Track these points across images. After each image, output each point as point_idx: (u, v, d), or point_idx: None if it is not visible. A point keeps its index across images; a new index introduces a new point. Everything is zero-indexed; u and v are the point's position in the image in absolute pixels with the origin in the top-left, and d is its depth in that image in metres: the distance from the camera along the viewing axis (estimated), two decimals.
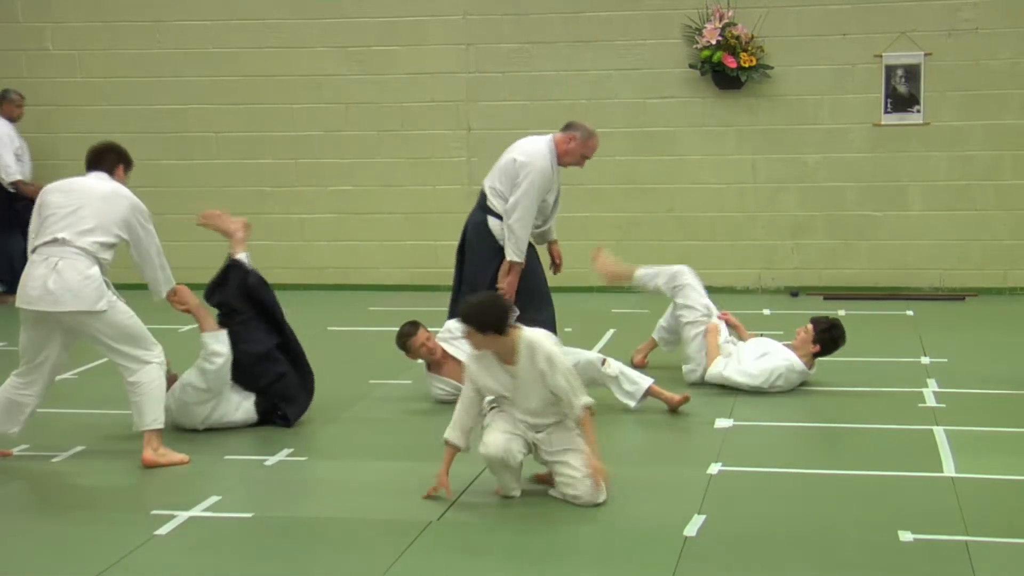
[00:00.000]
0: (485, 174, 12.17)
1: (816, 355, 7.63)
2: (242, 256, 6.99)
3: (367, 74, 11.63)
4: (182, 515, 5.39)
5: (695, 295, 7.89)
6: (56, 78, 11.97)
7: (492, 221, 7.72)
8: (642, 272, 8.12)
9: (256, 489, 5.95)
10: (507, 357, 5.55)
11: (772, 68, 11.05)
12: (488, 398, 5.69)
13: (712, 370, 7.61)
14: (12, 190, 11.11)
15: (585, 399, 5.52)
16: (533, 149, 7.71)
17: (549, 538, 5.21)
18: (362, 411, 7.37)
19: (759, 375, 7.47)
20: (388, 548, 5.03)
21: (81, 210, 6.24)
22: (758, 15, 11.01)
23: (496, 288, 7.52)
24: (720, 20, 10.98)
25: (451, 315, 7.79)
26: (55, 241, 6.18)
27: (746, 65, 10.95)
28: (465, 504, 5.62)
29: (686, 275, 7.99)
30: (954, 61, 10.89)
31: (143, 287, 6.51)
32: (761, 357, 7.56)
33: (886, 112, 11.03)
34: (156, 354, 6.28)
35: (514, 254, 7.60)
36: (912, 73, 10.95)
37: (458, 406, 5.69)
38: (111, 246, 6.26)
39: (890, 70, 10.98)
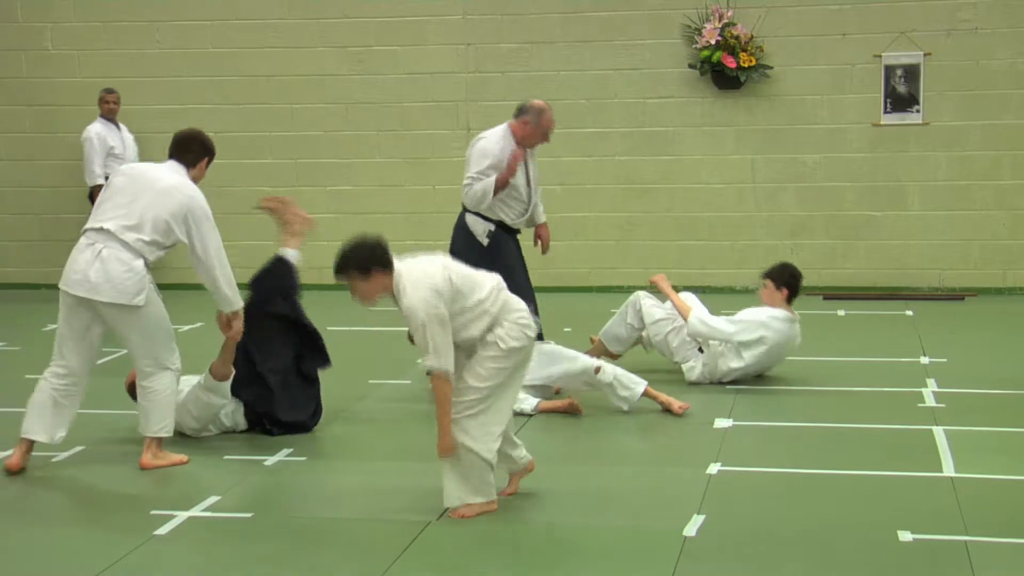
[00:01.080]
0: None
1: (788, 299, 7.74)
2: (291, 254, 6.87)
3: (367, 74, 11.64)
4: (182, 515, 5.39)
5: (655, 309, 7.89)
6: (56, 78, 11.98)
7: (468, 216, 7.79)
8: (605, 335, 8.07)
9: (256, 489, 5.95)
10: (397, 298, 5.29)
11: (771, 68, 11.06)
12: None
13: (692, 321, 7.61)
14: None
15: (429, 363, 5.09)
16: (483, 133, 7.87)
17: (549, 538, 5.22)
18: (362, 411, 7.37)
19: (743, 323, 7.56)
20: (388, 548, 5.03)
21: (135, 203, 6.06)
22: (757, 15, 11.02)
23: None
24: (719, 20, 10.98)
25: None
26: (102, 230, 6.05)
27: (745, 65, 10.96)
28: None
29: (639, 301, 7.97)
30: (953, 61, 10.90)
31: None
32: (741, 314, 7.73)
33: (885, 112, 11.03)
34: (174, 360, 6.20)
35: (471, 204, 7.69)
36: (911, 73, 10.96)
37: None
38: (159, 245, 6.09)
39: (889, 70, 10.98)
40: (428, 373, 5.22)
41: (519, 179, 7.77)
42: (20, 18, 12.03)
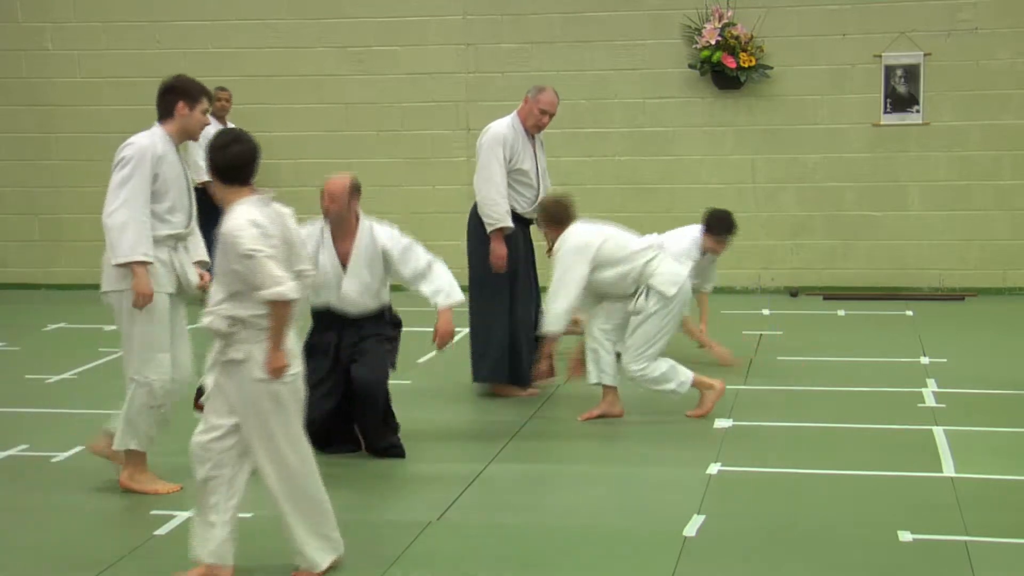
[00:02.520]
0: None
1: (718, 241, 7.92)
2: None
3: (367, 74, 11.64)
4: (182, 515, 5.38)
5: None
6: (56, 78, 11.98)
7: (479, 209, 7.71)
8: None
9: (256, 489, 5.93)
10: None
11: (771, 68, 11.06)
12: None
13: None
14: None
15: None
16: (492, 123, 7.83)
17: (548, 538, 5.21)
18: None
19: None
20: (388, 548, 5.03)
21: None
22: (757, 15, 11.02)
23: (489, 268, 7.51)
24: (719, 20, 10.98)
25: (471, 314, 7.79)
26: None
27: (745, 65, 10.96)
28: (465, 504, 5.62)
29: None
30: (953, 61, 10.90)
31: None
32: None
33: (885, 112, 11.03)
34: (146, 372, 5.62)
35: (491, 222, 7.52)
36: (911, 73, 10.96)
37: None
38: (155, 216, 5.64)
39: (889, 70, 10.98)
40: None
41: (527, 164, 7.71)
42: (20, 18, 12.03)
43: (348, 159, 11.76)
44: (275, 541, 4.90)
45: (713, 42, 10.95)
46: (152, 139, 5.69)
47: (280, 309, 4.55)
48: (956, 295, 10.93)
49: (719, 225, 8.21)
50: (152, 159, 5.62)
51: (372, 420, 6.27)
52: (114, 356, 8.28)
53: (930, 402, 7.23)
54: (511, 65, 11.48)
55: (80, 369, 8.35)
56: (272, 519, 4.78)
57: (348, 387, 6.26)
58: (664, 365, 6.92)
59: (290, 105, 11.76)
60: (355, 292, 6.31)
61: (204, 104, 5.83)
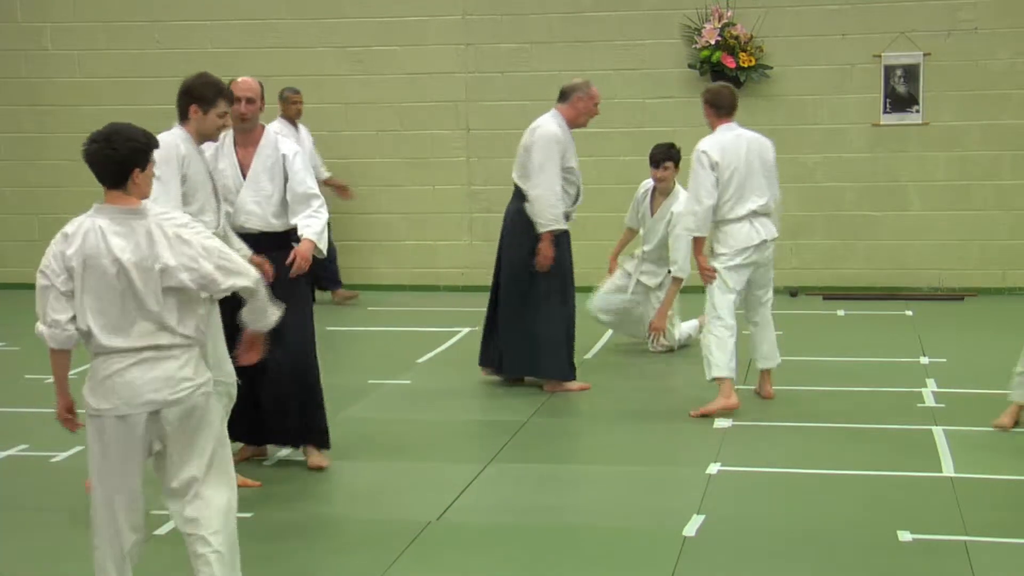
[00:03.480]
0: (484, 174, 12.19)
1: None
2: None
3: (366, 74, 11.64)
4: None
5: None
6: (55, 78, 11.98)
7: (527, 206, 7.67)
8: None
9: (255, 489, 5.95)
10: None
11: (771, 68, 11.06)
12: None
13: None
14: None
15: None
16: (537, 122, 7.72)
17: (548, 538, 5.22)
18: (362, 411, 7.37)
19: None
20: (388, 548, 5.03)
21: None
22: (757, 15, 11.02)
23: (533, 268, 7.56)
24: (719, 20, 10.98)
25: (491, 309, 7.83)
26: None
27: (745, 65, 10.96)
28: (465, 504, 5.63)
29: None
30: (953, 61, 10.90)
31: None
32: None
33: (885, 112, 11.04)
34: None
35: (545, 223, 7.51)
36: (911, 73, 10.96)
37: None
38: None
39: (889, 70, 10.98)
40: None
41: (574, 162, 7.75)
42: (20, 18, 12.03)
43: (348, 159, 11.77)
44: (278, 541, 4.89)
45: (713, 42, 10.95)
46: (175, 138, 5.56)
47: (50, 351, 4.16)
48: (956, 295, 10.93)
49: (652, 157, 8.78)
50: (179, 159, 5.50)
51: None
52: None
53: (930, 402, 7.23)
54: (511, 65, 11.48)
55: (80, 369, 8.33)
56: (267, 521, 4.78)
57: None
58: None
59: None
60: (252, 202, 5.93)
61: (220, 107, 5.66)
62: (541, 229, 7.50)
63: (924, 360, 8.31)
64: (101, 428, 4.14)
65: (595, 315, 8.86)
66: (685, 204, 7.47)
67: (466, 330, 9.63)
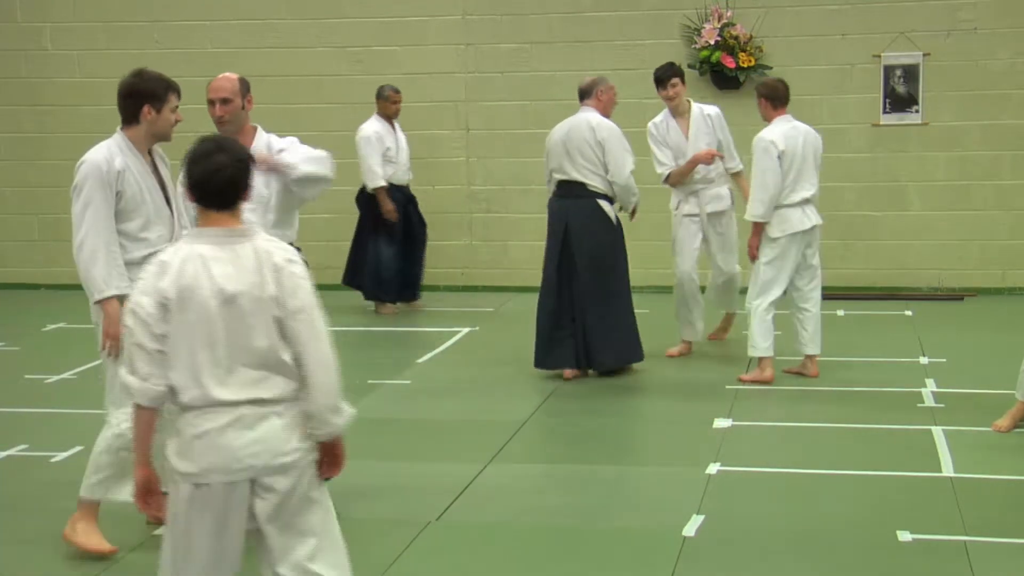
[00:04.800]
0: (484, 174, 12.16)
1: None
2: None
3: (367, 74, 11.63)
4: None
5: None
6: (55, 78, 11.98)
7: (602, 203, 7.97)
8: None
9: None
10: None
11: (771, 68, 11.05)
12: None
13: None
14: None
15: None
16: (588, 120, 8.01)
17: (547, 537, 5.22)
18: (361, 411, 7.33)
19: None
20: (388, 548, 5.03)
21: None
22: (757, 15, 11.02)
23: (612, 264, 7.93)
24: (719, 20, 10.99)
25: (555, 308, 7.91)
26: None
27: (745, 65, 10.96)
28: (465, 504, 5.63)
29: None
30: (953, 61, 10.90)
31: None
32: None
33: (885, 112, 11.04)
34: (116, 414, 4.97)
35: (636, 199, 8.17)
36: (911, 73, 10.96)
37: None
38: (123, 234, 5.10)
39: (889, 70, 10.98)
40: None
41: None
42: (19, 18, 12.03)
43: (347, 159, 11.75)
44: None
45: (712, 42, 10.95)
46: (108, 152, 5.07)
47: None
48: (955, 295, 10.93)
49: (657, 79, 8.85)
50: (109, 176, 5.00)
51: None
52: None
53: (929, 402, 7.23)
54: (511, 65, 11.48)
55: (79, 369, 8.35)
56: None
57: None
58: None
59: (290, 105, 11.75)
60: (246, 209, 5.26)
61: (172, 101, 5.28)
62: (631, 207, 8.15)
63: (924, 360, 8.31)
64: (194, 499, 3.49)
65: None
66: (752, 191, 7.82)
67: (466, 330, 9.63)
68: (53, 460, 6.36)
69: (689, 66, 11.18)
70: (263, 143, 5.66)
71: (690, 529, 5.19)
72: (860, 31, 11.00)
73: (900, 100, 10.99)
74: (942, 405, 7.15)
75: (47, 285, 12.03)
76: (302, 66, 11.66)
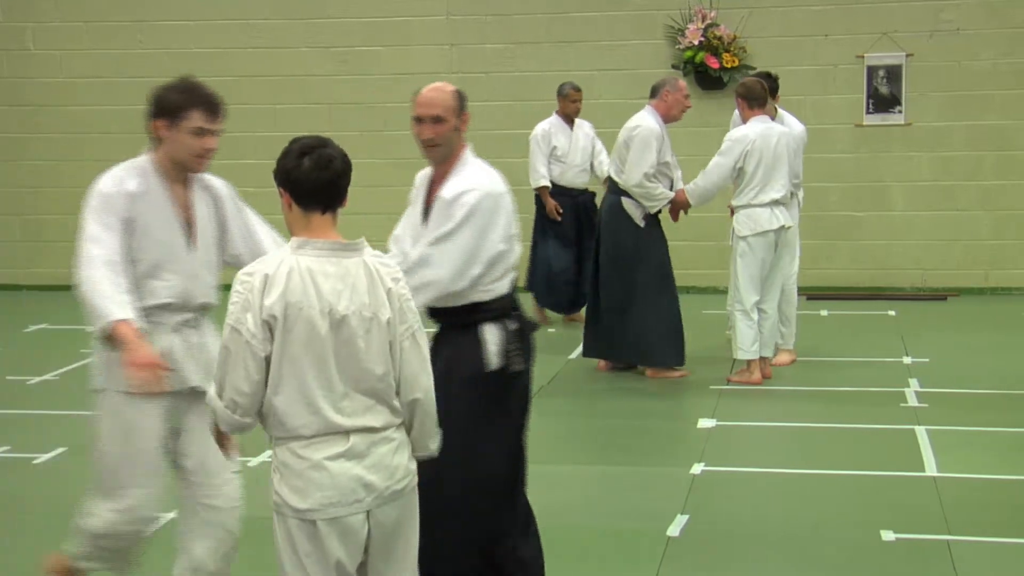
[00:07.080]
0: None
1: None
2: None
3: (351, 74, 11.62)
4: (166, 516, 5.36)
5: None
6: (38, 78, 11.93)
7: (625, 202, 7.98)
8: None
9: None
10: None
11: (754, 69, 11.06)
12: None
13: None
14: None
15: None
16: (635, 117, 8.10)
17: None
18: None
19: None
20: None
21: None
22: (740, 16, 11.04)
23: (631, 263, 7.93)
24: (703, 21, 11.00)
25: (592, 299, 8.16)
26: None
27: (728, 66, 10.97)
28: None
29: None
30: (936, 62, 10.94)
31: None
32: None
33: (868, 113, 11.07)
34: (111, 501, 4.34)
35: (654, 204, 7.95)
36: (894, 74, 10.99)
37: None
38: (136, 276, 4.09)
39: (872, 71, 11.01)
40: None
41: (667, 156, 8.05)
42: (2, 18, 11.98)
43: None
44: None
45: (696, 43, 10.97)
46: (122, 172, 4.12)
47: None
48: (939, 295, 10.96)
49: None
50: (115, 198, 4.05)
51: None
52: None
53: (912, 402, 7.25)
54: (495, 65, 11.47)
55: (62, 370, 8.31)
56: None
57: None
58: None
59: (274, 105, 11.73)
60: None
61: (195, 120, 4.19)
62: (653, 210, 7.96)
63: (907, 360, 8.33)
64: (311, 534, 3.22)
65: None
66: (701, 174, 8.00)
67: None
68: (35, 462, 6.33)
69: (673, 66, 11.19)
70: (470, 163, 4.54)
71: (674, 529, 5.19)
72: (843, 32, 11.03)
73: (883, 100, 11.02)
74: (925, 405, 7.16)
75: (29, 286, 11.97)
76: (287, 66, 11.64)
